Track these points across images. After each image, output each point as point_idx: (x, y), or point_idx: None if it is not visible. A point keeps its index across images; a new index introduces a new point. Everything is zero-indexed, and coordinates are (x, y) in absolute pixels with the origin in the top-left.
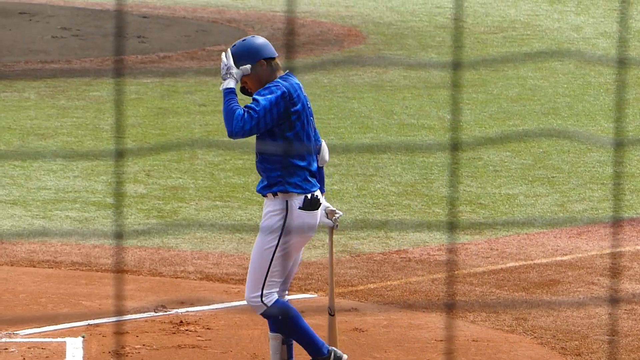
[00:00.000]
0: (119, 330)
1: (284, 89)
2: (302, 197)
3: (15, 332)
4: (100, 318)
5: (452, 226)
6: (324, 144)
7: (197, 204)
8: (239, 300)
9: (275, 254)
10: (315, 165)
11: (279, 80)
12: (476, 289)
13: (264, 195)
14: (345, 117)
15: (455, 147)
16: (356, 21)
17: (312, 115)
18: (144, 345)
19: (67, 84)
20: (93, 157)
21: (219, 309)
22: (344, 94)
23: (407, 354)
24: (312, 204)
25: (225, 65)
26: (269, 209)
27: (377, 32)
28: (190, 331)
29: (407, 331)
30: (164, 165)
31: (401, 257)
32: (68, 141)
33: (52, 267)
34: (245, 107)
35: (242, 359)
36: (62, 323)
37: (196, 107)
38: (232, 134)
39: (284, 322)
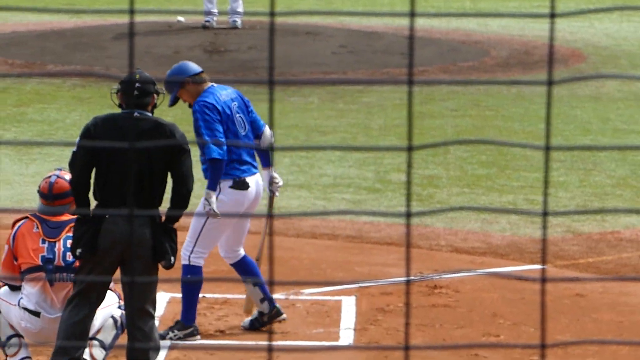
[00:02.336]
0: (385, 291)
1: (206, 103)
2: (231, 180)
3: (300, 292)
4: (369, 281)
5: None
6: (266, 129)
7: (448, 190)
8: (482, 269)
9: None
10: (246, 154)
11: (201, 98)
12: None
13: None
14: (569, 122)
15: None
16: (579, 44)
17: (244, 113)
18: (404, 303)
19: (343, 91)
20: (364, 151)
21: (465, 276)
22: (568, 103)
23: (618, 315)
24: (240, 185)
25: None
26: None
27: (596, 54)
28: (442, 293)
29: (618, 297)
30: (422, 159)
31: (614, 237)
32: (344, 137)
33: (330, 240)
34: (202, 150)
35: (484, 317)
36: (338, 285)
37: (448, 112)
38: (220, 160)
39: (186, 283)
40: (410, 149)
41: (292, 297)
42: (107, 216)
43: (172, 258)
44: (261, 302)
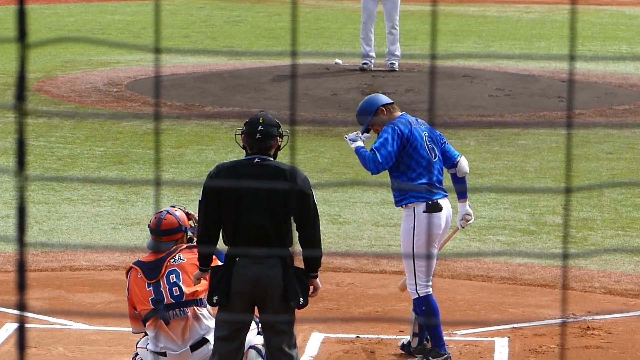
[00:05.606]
0: (538, 333)
1: (396, 128)
2: (424, 203)
3: (454, 332)
4: (523, 322)
5: None
6: (462, 159)
7: (602, 232)
8: (635, 311)
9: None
10: (436, 180)
11: (394, 121)
12: None
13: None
14: None
15: None
16: None
17: (435, 143)
18: (557, 345)
19: (500, 134)
20: (520, 193)
21: (618, 317)
22: None
23: None
24: (433, 208)
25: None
26: (403, 216)
27: None
28: (595, 335)
29: None
30: (577, 201)
31: None
32: (500, 180)
33: (485, 281)
34: (371, 149)
35: (637, 359)
36: (491, 326)
37: (604, 155)
38: (372, 172)
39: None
40: (567, 191)
41: (445, 338)
42: (237, 260)
43: (302, 299)
44: (413, 336)
